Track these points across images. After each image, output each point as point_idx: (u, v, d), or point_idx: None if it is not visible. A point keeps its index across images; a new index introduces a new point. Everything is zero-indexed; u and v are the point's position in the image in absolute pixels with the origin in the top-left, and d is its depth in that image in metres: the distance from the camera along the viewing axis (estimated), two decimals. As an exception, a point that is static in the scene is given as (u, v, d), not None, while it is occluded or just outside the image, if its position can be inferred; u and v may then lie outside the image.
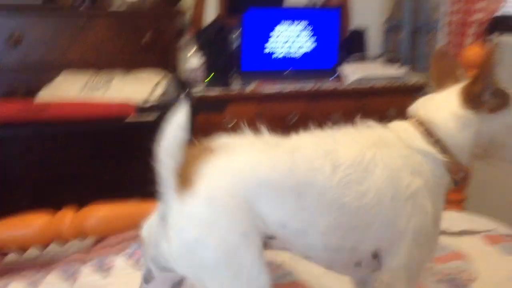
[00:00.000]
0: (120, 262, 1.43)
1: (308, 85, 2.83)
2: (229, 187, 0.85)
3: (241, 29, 2.78)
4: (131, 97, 2.22)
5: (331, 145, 0.93)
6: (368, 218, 0.91)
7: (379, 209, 0.91)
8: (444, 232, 1.45)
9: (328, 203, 0.89)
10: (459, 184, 1.00)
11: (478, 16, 2.70)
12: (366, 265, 0.96)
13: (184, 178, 0.85)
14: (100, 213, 1.51)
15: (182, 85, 2.16)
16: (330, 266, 1.00)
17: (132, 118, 2.11)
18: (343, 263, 0.96)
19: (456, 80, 1.03)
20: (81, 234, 1.52)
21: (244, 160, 0.89)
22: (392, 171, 0.91)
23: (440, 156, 0.95)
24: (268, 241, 0.90)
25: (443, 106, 0.98)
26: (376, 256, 0.95)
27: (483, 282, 1.32)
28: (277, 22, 2.88)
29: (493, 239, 1.55)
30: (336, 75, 2.98)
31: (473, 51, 1.76)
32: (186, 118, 0.84)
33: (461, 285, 1.33)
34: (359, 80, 2.90)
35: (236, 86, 2.71)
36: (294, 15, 2.91)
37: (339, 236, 0.91)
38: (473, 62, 1.71)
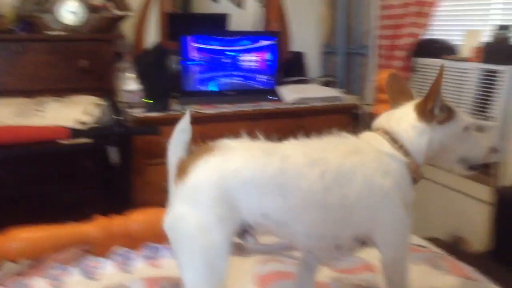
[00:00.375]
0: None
1: (248, 106, 2.91)
2: (214, 180, 1.03)
3: (181, 53, 2.84)
4: (66, 120, 2.24)
5: (319, 154, 1.10)
6: (349, 214, 1.10)
7: (359, 207, 1.10)
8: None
9: (313, 203, 1.07)
10: (416, 182, 1.22)
11: (405, 40, 2.88)
12: (348, 247, 1.16)
13: (182, 170, 1.06)
14: (22, 236, 1.52)
15: (117, 109, 2.19)
16: (311, 249, 1.22)
17: (67, 141, 2.12)
18: (325, 247, 1.15)
19: (408, 97, 1.27)
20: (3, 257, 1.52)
21: (235, 161, 1.06)
22: (367, 176, 1.10)
23: (404, 158, 1.16)
24: (249, 230, 1.10)
25: (403, 119, 1.19)
26: (357, 239, 1.15)
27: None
28: (219, 46, 2.97)
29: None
30: (275, 96, 3.08)
31: (381, 76, 1.88)
32: (188, 124, 1.09)
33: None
34: (298, 101, 3.01)
35: (176, 108, 2.76)
36: (234, 40, 3.01)
37: (322, 228, 1.10)
38: (382, 85, 1.84)
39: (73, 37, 2.56)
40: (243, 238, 1.12)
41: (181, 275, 1.07)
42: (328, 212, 1.08)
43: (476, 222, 2.55)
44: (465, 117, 1.22)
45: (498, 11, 2.51)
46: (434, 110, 1.17)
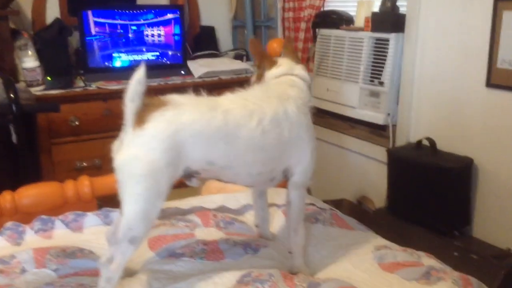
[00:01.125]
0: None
1: (156, 81, 2.92)
2: (169, 131, 1.18)
3: (82, 28, 2.79)
4: (-40, 101, 2.16)
5: (254, 104, 1.29)
6: (283, 149, 1.34)
7: (290, 143, 1.34)
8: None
9: (253, 147, 1.28)
10: None
11: (307, 12, 2.99)
12: (278, 179, 1.41)
13: (139, 119, 1.19)
14: None
15: (12, 87, 2.13)
16: (251, 185, 1.50)
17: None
18: (262, 181, 1.40)
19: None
20: None
21: (185, 115, 1.21)
22: (295, 114, 1.35)
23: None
24: (194, 175, 1.28)
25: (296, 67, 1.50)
26: (285, 171, 1.39)
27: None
28: (124, 21, 2.94)
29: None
30: (185, 71, 3.10)
31: (271, 46, 1.98)
32: (143, 76, 1.19)
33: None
34: (206, 74, 3.05)
35: (80, 85, 2.72)
36: (138, 14, 2.98)
37: (261, 166, 1.33)
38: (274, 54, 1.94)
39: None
40: (188, 180, 1.33)
41: (122, 211, 1.20)
42: (267, 152, 1.31)
43: (377, 182, 2.74)
44: None
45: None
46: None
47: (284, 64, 1.48)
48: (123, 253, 1.20)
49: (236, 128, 1.25)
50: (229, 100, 1.30)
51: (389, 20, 2.45)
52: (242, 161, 1.29)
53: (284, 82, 1.43)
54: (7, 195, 1.65)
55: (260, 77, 1.49)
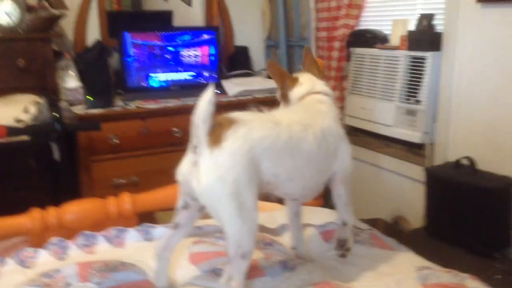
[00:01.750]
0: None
1: (191, 100, 2.97)
2: (245, 148, 1.21)
3: (122, 50, 2.88)
4: (6, 119, 2.24)
5: (305, 120, 1.35)
6: (331, 160, 1.41)
7: (335, 154, 1.42)
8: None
9: (311, 160, 1.34)
10: None
11: (341, 31, 3.00)
12: (319, 190, 1.46)
13: (215, 138, 1.20)
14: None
15: (56, 106, 2.21)
16: (300, 197, 1.50)
17: (4, 140, 2.14)
18: (311, 194, 1.45)
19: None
20: None
21: (258, 131, 1.25)
22: (332, 127, 1.42)
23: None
24: (264, 185, 1.29)
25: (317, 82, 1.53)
26: (325, 182, 1.46)
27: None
28: (161, 42, 3.02)
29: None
30: (219, 90, 3.15)
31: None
32: (212, 95, 1.18)
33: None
34: (241, 93, 3.09)
35: (119, 104, 2.80)
36: (175, 35, 3.06)
37: (315, 178, 1.40)
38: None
39: (9, 37, 2.56)
40: None
41: (224, 232, 1.23)
42: (320, 165, 1.38)
43: (413, 201, 2.70)
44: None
45: (424, 0, 2.66)
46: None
47: (305, 82, 1.50)
48: (239, 269, 1.23)
49: (298, 142, 1.31)
50: (284, 116, 1.35)
51: (426, 39, 2.45)
52: (302, 174, 1.34)
53: (311, 102, 1.46)
54: (52, 211, 1.70)
55: (284, 97, 1.51)
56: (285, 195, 1.47)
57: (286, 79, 1.52)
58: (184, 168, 1.25)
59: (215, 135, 1.19)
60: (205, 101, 1.19)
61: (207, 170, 1.19)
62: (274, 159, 1.27)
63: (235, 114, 1.27)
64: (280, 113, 1.37)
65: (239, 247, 1.21)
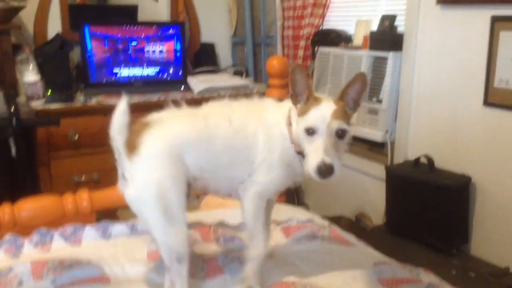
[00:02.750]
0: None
1: (156, 96, 2.94)
2: (163, 148, 1.21)
3: (83, 44, 2.81)
4: (-40, 113, 2.17)
5: (228, 112, 1.30)
6: (248, 156, 1.29)
7: (254, 148, 1.30)
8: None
9: (227, 147, 1.27)
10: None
11: (306, 30, 3.02)
12: (245, 181, 1.33)
13: (131, 146, 1.20)
14: None
15: (13, 101, 2.15)
16: (229, 193, 1.39)
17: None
18: (236, 187, 1.34)
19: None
20: None
21: (173, 128, 1.24)
22: (258, 125, 1.30)
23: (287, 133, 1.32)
24: (193, 182, 1.28)
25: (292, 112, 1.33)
26: (250, 175, 1.32)
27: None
28: (125, 36, 2.97)
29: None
30: (185, 87, 3.13)
31: (270, 63, 2.00)
32: (126, 106, 1.19)
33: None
34: (206, 90, 3.07)
35: (80, 99, 2.74)
36: (139, 30, 3.02)
37: (237, 170, 1.30)
38: (273, 71, 1.97)
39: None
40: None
41: (153, 238, 1.26)
42: (238, 154, 1.29)
43: (375, 199, 2.75)
44: (312, 119, 1.21)
45: (386, 1, 2.70)
46: (296, 102, 1.26)
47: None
48: (180, 274, 1.23)
49: (214, 129, 1.27)
50: (208, 107, 1.34)
51: (387, 39, 2.49)
52: (222, 162, 1.29)
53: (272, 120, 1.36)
54: (6, 208, 1.65)
55: (304, 113, 1.23)
56: (218, 191, 1.39)
57: (311, 95, 1.24)
58: (120, 186, 1.26)
59: (131, 143, 1.20)
60: (119, 112, 1.19)
61: (130, 179, 1.20)
62: (195, 150, 1.25)
63: (152, 116, 1.27)
64: (207, 106, 1.35)
65: (171, 251, 1.22)
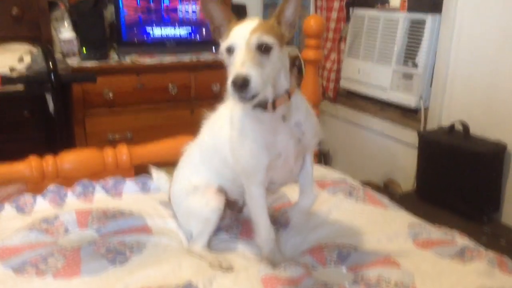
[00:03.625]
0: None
1: (187, 57, 2.94)
2: (184, 183, 1.46)
3: (117, 1, 2.81)
4: (1, 68, 2.21)
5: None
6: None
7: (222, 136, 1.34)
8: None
9: (224, 158, 1.33)
10: None
11: (341, -9, 2.96)
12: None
13: None
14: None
15: (51, 57, 2.17)
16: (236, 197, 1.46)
17: (-2, 88, 2.11)
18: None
19: None
20: None
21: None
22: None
23: None
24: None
25: None
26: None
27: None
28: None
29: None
30: (215, 47, 3.11)
31: (308, 23, 1.96)
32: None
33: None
34: (237, 52, 3.05)
35: (114, 58, 2.76)
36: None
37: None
38: (311, 31, 1.94)
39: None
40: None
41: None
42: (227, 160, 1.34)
43: (405, 166, 2.74)
44: (230, 37, 1.14)
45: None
46: (220, 36, 1.21)
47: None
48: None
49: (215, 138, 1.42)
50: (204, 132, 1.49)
51: (426, 1, 2.42)
52: (224, 170, 1.41)
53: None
54: (49, 159, 1.70)
55: (226, 37, 1.17)
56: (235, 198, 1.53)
57: (229, 20, 1.18)
58: None
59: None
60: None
61: (171, 195, 1.55)
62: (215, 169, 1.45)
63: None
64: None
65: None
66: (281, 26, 1.18)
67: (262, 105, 1.20)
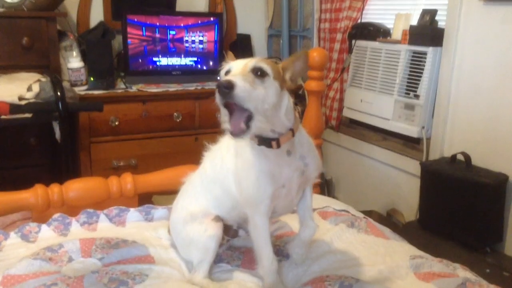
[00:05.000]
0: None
1: (193, 86, 3.00)
2: (182, 212, 1.47)
3: (125, 32, 2.88)
4: (10, 96, 2.25)
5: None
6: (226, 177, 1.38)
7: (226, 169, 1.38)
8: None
9: (226, 188, 1.36)
10: None
11: (343, 23, 3.02)
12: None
13: None
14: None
15: (59, 85, 2.22)
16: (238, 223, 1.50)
17: (6, 116, 2.15)
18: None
19: None
20: None
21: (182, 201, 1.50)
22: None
23: None
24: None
25: None
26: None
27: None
28: (164, 27, 3.02)
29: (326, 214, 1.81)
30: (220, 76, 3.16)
31: (311, 55, 2.00)
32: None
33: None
34: (242, 82, 3.10)
35: (121, 87, 2.81)
36: (178, 20, 3.06)
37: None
38: (314, 63, 1.98)
39: (14, 15, 2.56)
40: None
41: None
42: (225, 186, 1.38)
43: (408, 195, 2.74)
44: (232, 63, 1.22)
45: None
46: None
47: None
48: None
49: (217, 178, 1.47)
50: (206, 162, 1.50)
51: (427, 34, 2.47)
52: (225, 201, 1.45)
53: None
54: (55, 188, 1.73)
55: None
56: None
57: None
58: None
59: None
60: None
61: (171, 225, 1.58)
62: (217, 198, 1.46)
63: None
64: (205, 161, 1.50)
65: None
66: (286, 73, 1.24)
67: (267, 143, 1.24)
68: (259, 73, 1.15)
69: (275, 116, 1.21)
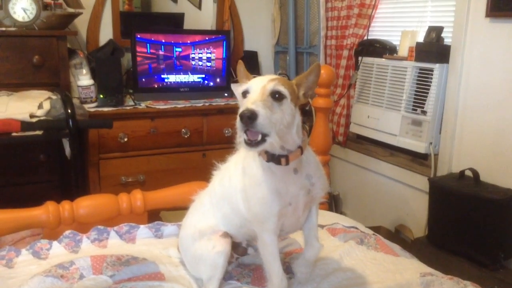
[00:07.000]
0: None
1: (200, 102, 3.02)
2: (191, 229, 1.48)
3: (134, 49, 2.92)
4: (21, 114, 2.28)
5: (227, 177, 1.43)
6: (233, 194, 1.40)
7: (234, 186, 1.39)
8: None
9: (235, 205, 1.37)
10: None
11: (349, 40, 3.05)
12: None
13: None
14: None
15: (69, 103, 2.25)
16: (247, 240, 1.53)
17: (17, 133, 2.18)
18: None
19: None
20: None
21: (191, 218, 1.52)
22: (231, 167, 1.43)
23: None
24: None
25: None
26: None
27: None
28: (173, 44, 3.06)
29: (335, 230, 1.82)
30: (228, 93, 3.20)
31: (322, 71, 2.01)
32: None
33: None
34: (249, 98, 3.12)
35: (130, 104, 2.84)
36: (186, 38, 3.10)
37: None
38: (321, 81, 1.99)
39: (26, 34, 2.61)
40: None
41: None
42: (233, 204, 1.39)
43: (416, 211, 2.74)
44: (249, 83, 1.24)
45: (432, 13, 2.70)
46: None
47: None
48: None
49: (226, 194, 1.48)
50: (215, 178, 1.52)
51: (434, 51, 2.49)
52: (234, 219, 1.46)
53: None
54: (65, 205, 1.74)
55: None
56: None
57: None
58: None
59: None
60: None
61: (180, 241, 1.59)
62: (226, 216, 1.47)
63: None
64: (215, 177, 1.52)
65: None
66: (299, 90, 1.26)
67: (276, 160, 1.25)
68: (277, 95, 1.17)
69: (288, 134, 1.23)
